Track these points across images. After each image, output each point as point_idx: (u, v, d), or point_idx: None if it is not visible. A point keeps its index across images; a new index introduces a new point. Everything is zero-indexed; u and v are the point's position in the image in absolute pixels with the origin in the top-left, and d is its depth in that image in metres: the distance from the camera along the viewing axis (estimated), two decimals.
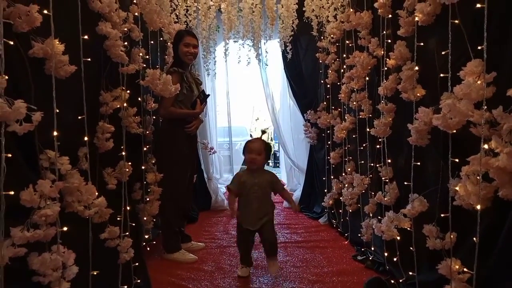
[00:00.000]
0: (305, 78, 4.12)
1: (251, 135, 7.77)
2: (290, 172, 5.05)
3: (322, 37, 3.59)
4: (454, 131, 1.48)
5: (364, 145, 2.70)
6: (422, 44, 1.85)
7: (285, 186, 4.55)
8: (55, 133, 1.41)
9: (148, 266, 2.48)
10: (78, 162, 1.68)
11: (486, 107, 1.35)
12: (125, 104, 2.10)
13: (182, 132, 2.73)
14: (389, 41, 2.23)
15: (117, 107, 2.03)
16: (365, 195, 2.70)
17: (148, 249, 2.81)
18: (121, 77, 2.06)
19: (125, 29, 2.13)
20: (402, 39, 2.01)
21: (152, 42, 2.76)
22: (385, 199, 2.21)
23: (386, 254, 2.28)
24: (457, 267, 1.54)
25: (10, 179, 1.19)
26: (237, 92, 5.12)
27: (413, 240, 1.91)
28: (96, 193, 1.69)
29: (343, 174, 3.17)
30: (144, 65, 2.42)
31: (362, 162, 2.76)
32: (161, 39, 3.05)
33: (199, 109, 2.78)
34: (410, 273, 1.96)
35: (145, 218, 2.61)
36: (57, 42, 1.44)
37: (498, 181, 1.29)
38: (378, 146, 2.39)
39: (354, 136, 2.92)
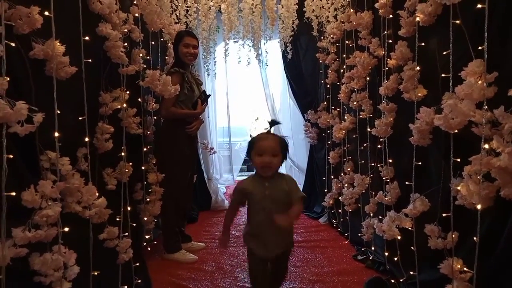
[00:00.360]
0: (305, 78, 4.12)
1: (251, 135, 7.75)
2: (289, 172, 5.04)
3: (322, 37, 3.59)
4: (456, 131, 1.47)
5: (364, 145, 2.70)
6: (423, 44, 1.84)
7: None
8: (56, 134, 1.41)
9: (149, 266, 2.48)
10: (77, 163, 1.68)
11: (487, 107, 1.35)
12: (124, 105, 2.09)
13: (183, 133, 2.73)
14: (390, 41, 2.23)
15: (117, 107, 2.03)
16: (365, 194, 2.69)
17: (149, 249, 2.80)
18: (121, 77, 2.06)
19: (125, 30, 2.12)
20: (403, 39, 2.01)
21: (152, 43, 2.76)
22: (386, 198, 2.21)
23: (386, 253, 2.28)
24: (459, 266, 1.54)
25: (11, 180, 1.19)
26: (237, 92, 5.11)
27: (414, 239, 1.91)
28: (97, 194, 1.69)
29: (342, 174, 3.17)
30: (145, 66, 2.42)
31: (363, 161, 2.75)
32: (162, 39, 3.04)
33: (200, 110, 2.78)
34: (411, 272, 1.96)
35: (146, 219, 2.61)
36: (58, 44, 1.44)
37: (500, 181, 1.28)
38: (379, 146, 2.39)
39: (354, 136, 2.91)
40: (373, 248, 2.57)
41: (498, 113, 1.28)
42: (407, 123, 1.84)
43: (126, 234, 2.06)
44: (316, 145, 4.02)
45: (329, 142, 3.52)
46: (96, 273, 1.72)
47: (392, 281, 2.13)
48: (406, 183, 1.99)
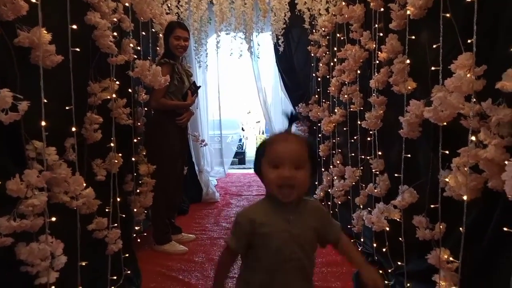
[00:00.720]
0: (297, 71, 4.11)
1: (242, 128, 7.72)
2: None
3: (314, 30, 3.57)
4: (445, 123, 1.48)
5: (355, 137, 2.70)
6: (413, 37, 1.84)
7: None
8: (43, 123, 1.38)
9: (139, 258, 2.46)
10: (65, 153, 1.65)
11: (475, 99, 1.35)
12: (114, 95, 2.06)
13: (173, 124, 2.70)
14: (381, 34, 2.22)
15: (106, 98, 1.99)
16: (355, 187, 2.70)
17: (139, 240, 2.78)
18: (111, 68, 2.02)
19: (115, 19, 2.08)
20: (394, 32, 2.01)
21: (143, 33, 2.71)
22: (376, 190, 2.22)
23: (375, 244, 2.29)
24: (446, 256, 1.55)
25: None
26: (229, 85, 5.08)
27: (402, 231, 1.92)
28: (84, 184, 1.66)
29: (331, 166, 3.18)
30: (135, 56, 2.38)
31: (353, 154, 2.76)
32: (153, 30, 3.00)
33: (190, 101, 2.75)
34: (399, 263, 1.97)
35: (136, 210, 2.58)
36: (44, 32, 1.40)
37: (487, 172, 1.29)
38: (369, 139, 2.39)
39: (344, 129, 2.91)
40: (362, 240, 2.59)
41: (485, 105, 1.28)
42: (397, 116, 1.85)
43: (116, 225, 2.04)
44: (308, 138, 4.02)
45: (320, 135, 3.52)
46: (84, 264, 1.70)
47: (381, 271, 2.15)
48: (396, 175, 2.00)
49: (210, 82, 4.66)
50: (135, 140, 2.50)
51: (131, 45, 2.28)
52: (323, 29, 3.26)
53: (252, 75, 4.43)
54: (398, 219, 1.96)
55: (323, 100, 3.50)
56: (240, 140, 7.25)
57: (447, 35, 1.52)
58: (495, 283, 1.32)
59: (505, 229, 1.19)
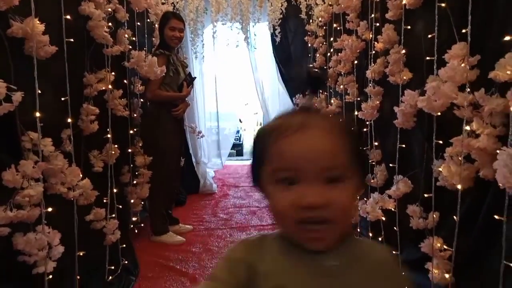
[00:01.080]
0: (294, 61, 4.11)
1: (240, 120, 7.72)
2: None
3: (310, 20, 3.56)
4: (439, 113, 1.49)
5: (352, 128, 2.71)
6: (409, 27, 1.84)
7: None
8: (37, 114, 1.38)
9: (136, 248, 2.49)
10: (61, 144, 1.66)
11: (469, 89, 1.36)
12: (110, 86, 2.06)
13: (169, 115, 2.71)
14: (378, 24, 2.23)
15: (102, 89, 1.99)
16: None
17: (136, 231, 2.81)
18: (106, 58, 2.02)
19: (109, 9, 2.07)
20: (390, 22, 2.01)
21: (138, 23, 2.70)
22: (373, 181, 2.24)
23: (371, 234, 2.32)
24: (439, 245, 1.58)
25: None
26: (226, 76, 5.06)
27: (397, 220, 1.95)
28: (81, 175, 1.67)
29: None
30: (131, 47, 2.38)
31: None
32: (148, 20, 2.99)
33: (186, 92, 2.76)
34: (394, 252, 2.00)
35: (133, 201, 2.60)
36: (37, 22, 1.40)
37: (479, 162, 1.31)
38: (365, 129, 2.41)
39: (340, 120, 2.92)
40: (358, 230, 2.61)
41: (478, 95, 1.29)
42: (393, 106, 1.86)
43: (113, 215, 2.06)
44: (345, 120, 4.04)
45: None
46: (82, 254, 1.72)
47: None
48: (391, 165, 2.02)
49: (207, 73, 4.65)
50: (131, 132, 2.50)
51: (126, 35, 2.27)
52: (319, 19, 3.25)
53: (249, 66, 4.42)
54: (392, 209, 1.99)
55: (320, 91, 3.50)
56: (238, 131, 7.26)
57: (442, 25, 1.53)
58: (486, 270, 1.35)
59: (496, 217, 1.21)
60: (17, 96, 1.22)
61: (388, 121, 2.04)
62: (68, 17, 1.65)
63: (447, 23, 1.49)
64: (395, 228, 1.96)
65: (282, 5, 3.63)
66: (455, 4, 1.48)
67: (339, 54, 2.81)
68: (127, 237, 2.34)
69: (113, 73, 2.07)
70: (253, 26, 3.90)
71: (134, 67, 2.32)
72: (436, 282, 1.54)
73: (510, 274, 1.16)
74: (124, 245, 2.19)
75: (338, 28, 2.89)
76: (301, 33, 3.83)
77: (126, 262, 2.19)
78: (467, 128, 1.35)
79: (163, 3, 3.34)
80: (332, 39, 3.03)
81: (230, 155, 6.95)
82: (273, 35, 3.97)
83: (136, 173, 2.64)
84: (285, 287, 0.57)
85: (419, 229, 1.71)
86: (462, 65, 1.38)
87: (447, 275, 1.48)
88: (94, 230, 1.92)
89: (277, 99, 4.67)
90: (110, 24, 2.02)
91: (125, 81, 2.40)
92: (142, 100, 2.79)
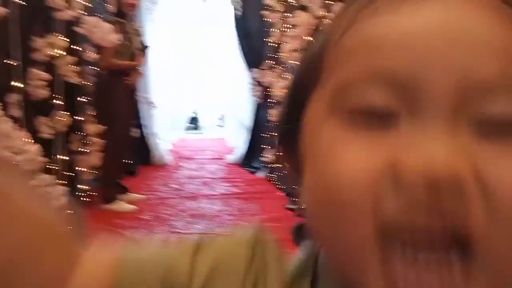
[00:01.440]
0: (253, 36, 4.19)
1: (197, 94, 7.71)
2: (236, 131, 5.20)
3: None
4: None
5: None
6: None
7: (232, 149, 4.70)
8: None
9: (85, 216, 2.56)
10: (7, 109, 1.68)
11: None
12: (61, 52, 2.07)
13: (121, 85, 2.74)
14: (331, 2, 2.36)
15: (52, 54, 2.00)
16: None
17: (86, 199, 2.86)
18: (57, 23, 2.02)
19: None
20: (341, 0, 2.15)
21: None
22: None
23: None
24: None
25: None
26: (182, 46, 5.06)
27: None
28: (28, 140, 1.71)
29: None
30: (84, 13, 2.36)
31: None
32: None
33: (139, 61, 2.79)
34: None
35: (83, 169, 2.64)
36: None
37: None
38: None
39: None
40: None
41: None
42: None
43: (60, 182, 2.11)
44: (261, 103, 4.19)
45: (272, 100, 3.69)
46: None
47: None
48: None
49: (162, 43, 4.62)
50: (82, 99, 2.52)
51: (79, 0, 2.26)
52: None
53: (207, 39, 4.45)
54: None
55: (276, 66, 3.64)
56: (194, 105, 7.30)
57: None
58: None
59: None
60: None
61: None
62: None
63: None
64: None
65: None
66: None
67: (293, 30, 2.94)
68: (76, 204, 2.40)
69: (64, 39, 2.07)
70: None
71: (86, 33, 2.32)
72: None
73: None
74: (72, 212, 2.26)
75: (295, 4, 3.01)
76: (261, 7, 3.91)
77: (74, 229, 2.26)
78: None
79: None
80: (288, 14, 3.15)
81: (187, 128, 7.01)
82: (233, 9, 4.02)
83: (87, 141, 2.67)
84: None
85: None
86: None
87: None
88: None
89: (236, 72, 4.76)
90: None
91: (77, 47, 2.39)
92: (94, 68, 2.78)
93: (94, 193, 2.95)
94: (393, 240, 0.19)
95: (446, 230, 0.18)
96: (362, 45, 0.21)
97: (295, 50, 3.00)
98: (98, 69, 2.85)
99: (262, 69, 4.01)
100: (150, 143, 4.27)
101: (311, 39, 2.79)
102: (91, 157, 2.68)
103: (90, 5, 2.61)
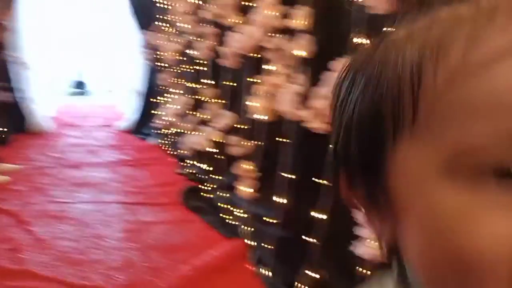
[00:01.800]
0: None
1: (83, 54, 7.10)
2: (128, 96, 4.97)
3: None
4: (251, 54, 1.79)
5: (190, 67, 2.91)
6: None
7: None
8: None
9: None
10: None
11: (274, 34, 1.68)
12: None
13: None
14: None
15: None
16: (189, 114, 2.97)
17: None
18: None
19: None
20: None
21: None
22: (205, 117, 2.51)
23: (200, 164, 2.65)
24: (250, 167, 1.96)
25: None
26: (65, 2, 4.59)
27: (224, 149, 2.28)
28: None
29: (171, 95, 3.38)
30: None
31: (190, 84, 2.98)
32: None
33: (3, 14, 2.49)
34: (220, 177, 2.36)
35: None
36: None
37: (276, 96, 1.66)
38: (202, 68, 2.63)
39: (184, 58, 3.08)
40: (194, 162, 2.91)
41: (278, 40, 1.61)
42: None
43: None
44: (152, 67, 4.08)
45: (162, 64, 3.62)
46: None
47: (205, 187, 2.53)
48: (223, 102, 2.32)
49: None
50: None
51: None
52: None
53: None
54: (220, 140, 2.31)
55: (166, 28, 3.55)
56: (80, 68, 6.74)
57: None
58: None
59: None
60: None
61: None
62: None
63: None
64: (222, 156, 2.30)
65: None
66: None
67: None
68: None
69: None
70: None
71: None
72: (242, 196, 1.94)
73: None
74: None
75: None
76: None
77: None
78: (270, 67, 1.69)
79: None
80: None
81: (72, 93, 6.47)
82: None
83: None
84: None
85: (238, 156, 2.07)
86: (270, 12, 1.67)
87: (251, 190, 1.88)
88: None
89: (127, 33, 4.50)
90: None
91: None
92: None
93: None
94: None
95: None
96: (492, 101, 0.19)
97: (185, 13, 2.97)
98: None
99: (153, 31, 3.89)
100: (24, 108, 3.87)
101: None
102: None
103: None
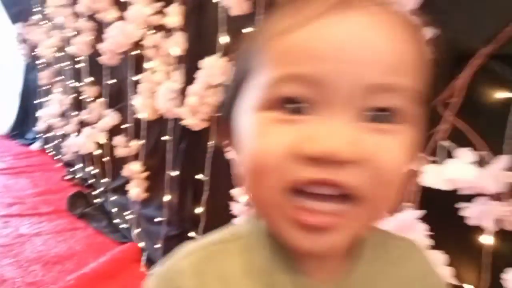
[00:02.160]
0: None
1: None
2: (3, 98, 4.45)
3: None
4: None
5: (69, 64, 2.71)
6: None
7: None
8: None
9: None
10: None
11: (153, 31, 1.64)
12: None
13: None
14: None
15: None
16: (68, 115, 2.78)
17: None
18: None
19: None
20: None
21: None
22: (85, 117, 2.38)
23: (86, 168, 2.50)
24: (138, 168, 1.90)
25: None
26: None
27: (109, 151, 2.18)
28: None
29: (50, 95, 3.13)
30: None
31: (68, 82, 2.78)
32: None
33: None
34: (108, 180, 2.25)
35: None
36: None
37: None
38: (79, 65, 2.47)
39: (62, 54, 2.86)
40: (81, 165, 2.73)
41: (157, 38, 1.59)
42: None
43: None
44: (29, 64, 3.71)
45: (41, 61, 3.31)
46: None
47: (93, 193, 2.40)
48: (104, 99, 2.21)
49: None
50: None
51: None
52: None
53: None
54: (105, 141, 2.20)
55: (44, 21, 3.25)
56: None
57: None
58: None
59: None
60: None
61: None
62: None
63: None
64: (107, 158, 2.20)
65: None
66: None
67: None
68: None
69: None
70: None
71: None
72: (134, 200, 1.88)
73: None
74: None
75: None
76: None
77: None
78: (150, 65, 1.66)
79: None
80: None
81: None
82: None
83: None
84: None
85: (123, 156, 2.00)
86: (145, 8, 1.64)
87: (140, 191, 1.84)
88: None
89: None
90: None
91: None
92: None
93: None
94: (295, 192, 0.30)
95: (333, 184, 0.29)
96: (288, 47, 0.30)
97: (61, 6, 2.75)
98: None
99: (28, 25, 3.53)
100: None
101: None
102: None
103: None
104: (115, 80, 2.13)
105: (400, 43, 0.30)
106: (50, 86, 3.27)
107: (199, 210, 1.40)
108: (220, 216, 1.32)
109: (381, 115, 0.30)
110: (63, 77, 2.96)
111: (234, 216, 1.23)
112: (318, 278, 0.36)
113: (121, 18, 2.03)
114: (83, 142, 2.29)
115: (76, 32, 2.61)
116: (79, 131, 2.60)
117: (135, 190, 1.88)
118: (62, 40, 2.88)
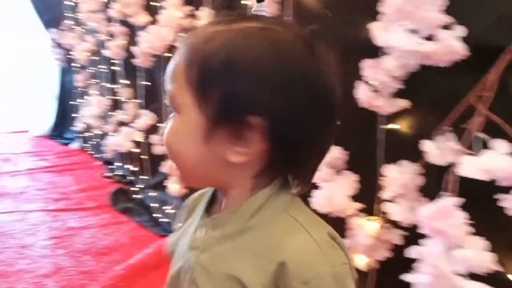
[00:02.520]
0: None
1: None
2: (40, 99, 4.64)
3: None
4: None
5: (105, 67, 2.82)
6: None
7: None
8: None
9: None
10: None
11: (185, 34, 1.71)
12: None
13: None
14: None
15: None
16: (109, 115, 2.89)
17: None
18: None
19: None
20: None
21: None
22: (125, 117, 2.47)
23: (126, 166, 2.61)
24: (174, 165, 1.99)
25: None
26: None
27: (147, 150, 2.27)
28: None
29: (88, 96, 3.26)
30: None
31: (107, 84, 2.89)
32: None
33: None
34: (146, 177, 2.35)
35: None
36: None
37: None
38: (114, 68, 2.57)
39: (98, 58, 2.97)
40: (121, 164, 2.85)
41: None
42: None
43: None
44: (65, 68, 3.86)
45: (76, 64, 3.45)
46: None
47: (132, 189, 2.51)
48: (139, 101, 2.30)
49: None
50: None
51: None
52: None
53: None
54: (142, 140, 2.30)
55: (75, 27, 3.38)
56: None
57: None
58: None
59: None
60: None
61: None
62: None
63: None
64: (146, 156, 2.30)
65: None
66: None
67: None
68: None
69: None
70: None
71: None
72: (174, 195, 1.97)
73: None
74: None
75: None
76: None
77: None
78: None
79: None
80: None
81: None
82: None
83: None
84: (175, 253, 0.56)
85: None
86: (176, 12, 1.70)
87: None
88: None
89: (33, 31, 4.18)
90: None
91: None
92: None
93: None
94: None
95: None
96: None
97: (93, 11, 2.85)
98: None
99: (62, 30, 3.67)
100: None
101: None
102: None
103: None
104: (148, 82, 2.22)
105: (184, 63, 0.47)
106: (86, 88, 3.40)
107: None
108: None
109: (177, 109, 0.48)
110: (98, 79, 3.08)
111: None
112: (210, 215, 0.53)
113: (152, 22, 2.12)
114: (121, 141, 2.39)
115: (109, 36, 2.72)
116: (116, 131, 2.71)
117: (174, 186, 1.97)
118: (96, 44, 2.99)
